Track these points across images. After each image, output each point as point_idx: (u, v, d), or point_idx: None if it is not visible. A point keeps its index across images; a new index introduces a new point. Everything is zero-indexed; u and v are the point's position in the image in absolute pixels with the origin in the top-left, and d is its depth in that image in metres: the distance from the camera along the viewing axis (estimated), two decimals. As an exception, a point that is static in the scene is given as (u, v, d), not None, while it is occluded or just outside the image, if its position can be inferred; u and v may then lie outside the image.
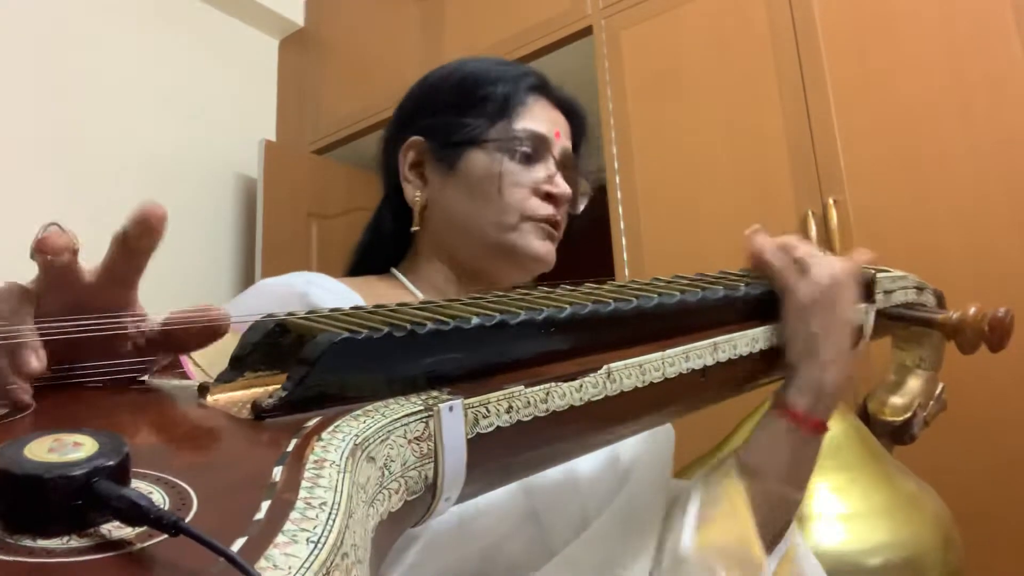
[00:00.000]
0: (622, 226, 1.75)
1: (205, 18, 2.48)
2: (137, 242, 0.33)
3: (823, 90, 1.53)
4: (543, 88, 0.69)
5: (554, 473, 0.54)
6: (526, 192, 0.64)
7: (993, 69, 1.36)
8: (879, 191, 1.43)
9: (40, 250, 0.31)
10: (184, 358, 0.39)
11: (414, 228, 0.67)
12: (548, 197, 0.65)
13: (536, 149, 0.66)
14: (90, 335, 0.32)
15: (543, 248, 0.65)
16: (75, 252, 0.32)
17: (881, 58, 1.48)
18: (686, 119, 1.70)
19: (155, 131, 2.24)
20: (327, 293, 0.57)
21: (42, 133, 2.02)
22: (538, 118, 0.67)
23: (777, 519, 0.52)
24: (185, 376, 0.37)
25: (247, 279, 2.37)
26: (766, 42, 1.62)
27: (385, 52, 2.42)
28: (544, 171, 0.66)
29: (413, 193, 0.67)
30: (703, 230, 1.61)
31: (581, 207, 0.71)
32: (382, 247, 0.71)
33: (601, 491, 0.55)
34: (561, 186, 0.66)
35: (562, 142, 0.68)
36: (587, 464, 0.56)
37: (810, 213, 1.49)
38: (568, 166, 0.68)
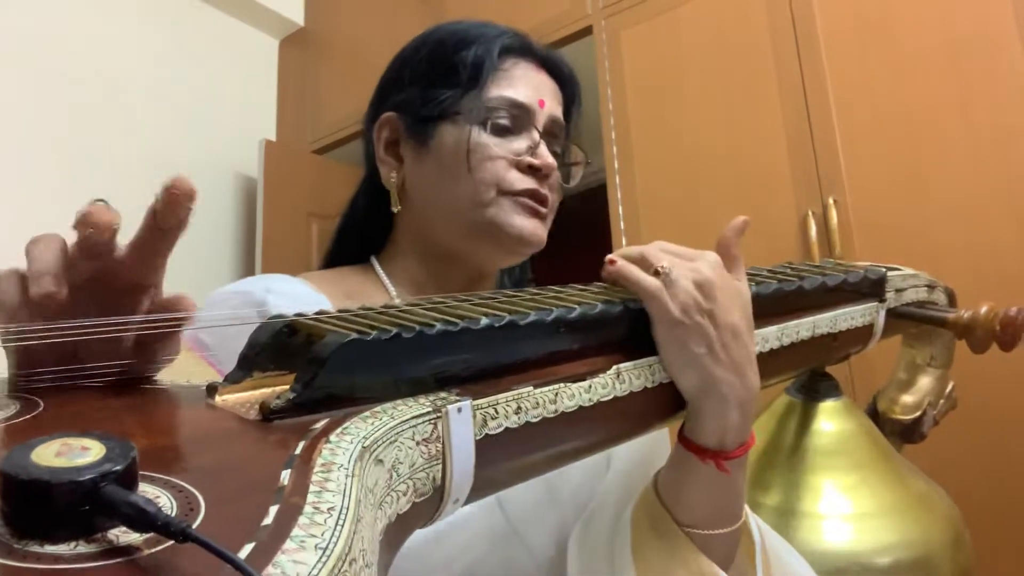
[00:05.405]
0: (622, 226, 1.74)
1: (205, 18, 2.48)
2: (165, 219, 0.33)
3: (823, 90, 1.53)
4: (524, 49, 0.62)
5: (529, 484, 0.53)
6: (503, 165, 0.57)
7: (993, 69, 1.36)
8: (879, 191, 1.43)
9: (85, 223, 0.31)
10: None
11: (395, 209, 0.61)
12: (530, 169, 0.58)
13: (515, 118, 0.59)
14: (91, 336, 0.32)
15: (527, 225, 0.58)
16: (116, 231, 0.32)
17: (881, 58, 1.47)
18: (686, 119, 1.70)
19: (155, 131, 2.24)
20: (287, 299, 0.52)
21: (42, 132, 2.01)
22: (517, 84, 0.59)
23: (726, 550, 0.45)
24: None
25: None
26: (766, 42, 1.62)
27: (385, 52, 2.38)
28: (526, 141, 0.59)
29: (388, 174, 0.62)
30: (703, 230, 1.61)
31: (576, 179, 0.64)
32: (357, 234, 0.66)
33: (582, 495, 0.53)
34: (544, 156, 0.58)
35: (548, 109, 0.60)
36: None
37: (810, 213, 1.49)
38: (556, 135, 0.62)
